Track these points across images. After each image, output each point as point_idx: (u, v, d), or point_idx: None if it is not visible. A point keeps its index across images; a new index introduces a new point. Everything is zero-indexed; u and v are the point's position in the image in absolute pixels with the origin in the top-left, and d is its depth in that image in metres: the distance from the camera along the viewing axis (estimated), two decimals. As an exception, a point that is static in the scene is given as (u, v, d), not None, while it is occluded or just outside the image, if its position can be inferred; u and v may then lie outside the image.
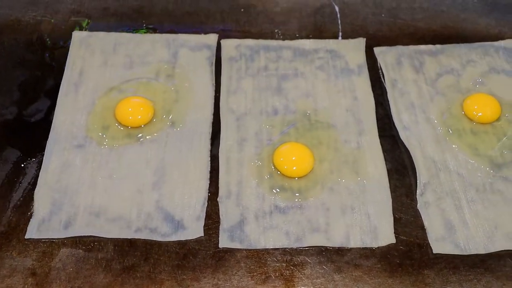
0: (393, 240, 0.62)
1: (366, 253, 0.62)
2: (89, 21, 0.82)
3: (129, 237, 0.62)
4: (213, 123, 0.71)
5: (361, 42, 0.80)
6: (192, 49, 0.76)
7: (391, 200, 0.65)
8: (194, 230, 0.62)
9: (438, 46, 0.80)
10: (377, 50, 0.79)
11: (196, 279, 0.59)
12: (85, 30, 0.81)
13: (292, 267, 0.61)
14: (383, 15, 0.84)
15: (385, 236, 0.63)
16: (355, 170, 0.67)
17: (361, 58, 0.78)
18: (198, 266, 0.60)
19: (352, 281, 0.59)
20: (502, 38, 0.81)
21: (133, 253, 0.61)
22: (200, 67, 0.75)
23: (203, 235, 0.62)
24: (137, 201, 0.63)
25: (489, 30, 0.83)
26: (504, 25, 0.83)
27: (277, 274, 0.60)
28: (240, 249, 0.62)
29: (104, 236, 0.62)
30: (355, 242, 0.62)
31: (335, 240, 0.62)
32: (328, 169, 0.67)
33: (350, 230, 0.63)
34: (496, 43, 0.80)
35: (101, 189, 0.64)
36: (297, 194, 0.65)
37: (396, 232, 0.63)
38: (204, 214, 0.64)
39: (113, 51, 0.76)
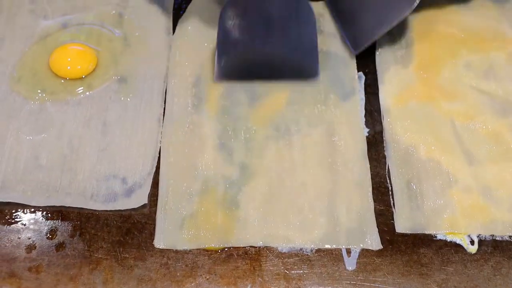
0: None
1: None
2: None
3: (57, 205, 0.55)
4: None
5: None
6: (147, -9, 0.69)
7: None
8: (137, 197, 0.55)
9: None
10: None
11: (141, 258, 0.52)
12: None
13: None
14: None
15: None
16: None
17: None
18: (144, 243, 0.53)
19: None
20: None
21: (65, 228, 0.54)
22: (155, 12, 0.67)
23: (146, 202, 0.55)
24: (71, 164, 0.56)
25: None
26: None
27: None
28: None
29: (27, 204, 0.55)
30: None
31: None
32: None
33: None
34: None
35: (26, 149, 0.57)
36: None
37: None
38: (151, 181, 0.56)
39: (50, -7, 0.68)
